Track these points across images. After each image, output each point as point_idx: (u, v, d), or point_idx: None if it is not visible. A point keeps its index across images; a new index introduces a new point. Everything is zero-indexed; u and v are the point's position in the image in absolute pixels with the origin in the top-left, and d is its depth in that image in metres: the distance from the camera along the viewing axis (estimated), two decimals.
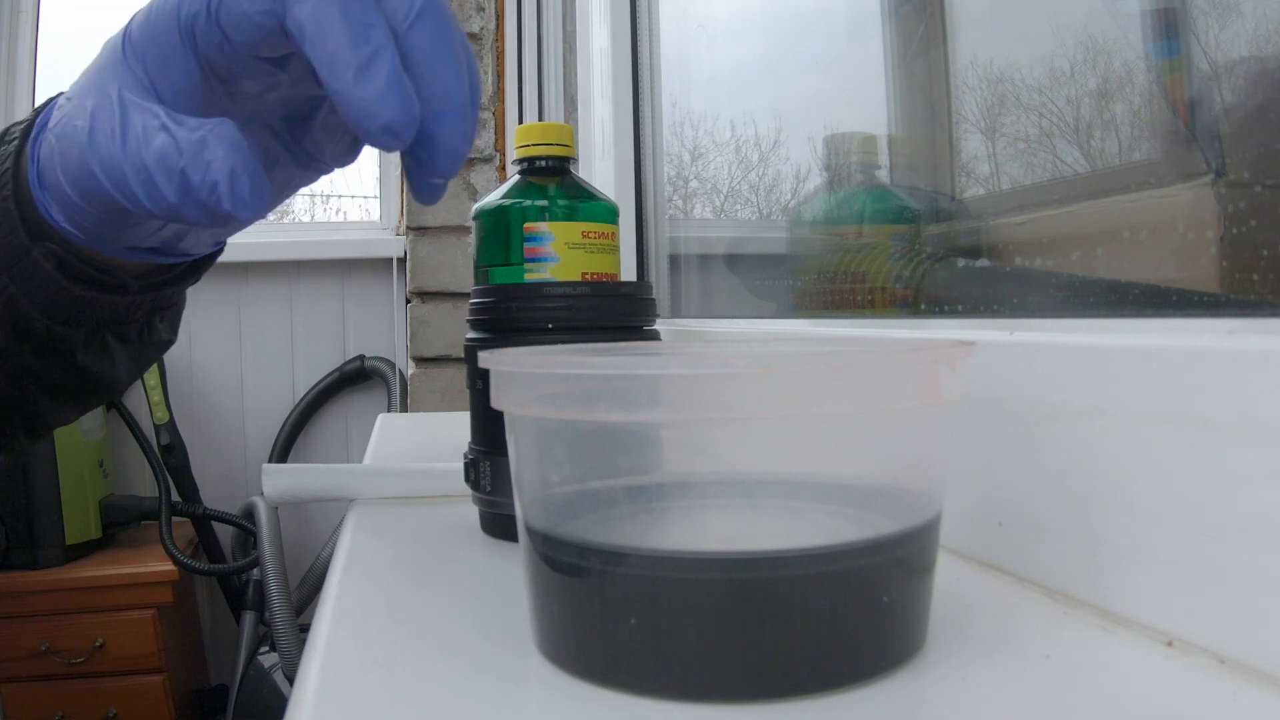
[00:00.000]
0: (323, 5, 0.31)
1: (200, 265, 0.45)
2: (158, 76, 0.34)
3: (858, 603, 0.25)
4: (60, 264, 0.39)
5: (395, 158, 1.97)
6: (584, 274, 0.48)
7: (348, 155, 0.41)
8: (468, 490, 0.45)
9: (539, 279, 0.45)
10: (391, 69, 0.31)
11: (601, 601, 0.26)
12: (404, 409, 1.82)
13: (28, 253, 0.39)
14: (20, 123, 0.40)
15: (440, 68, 0.32)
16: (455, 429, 0.76)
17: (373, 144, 0.31)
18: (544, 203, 0.48)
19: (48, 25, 2.00)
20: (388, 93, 0.30)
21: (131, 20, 0.35)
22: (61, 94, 0.37)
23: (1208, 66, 0.39)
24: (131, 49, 0.34)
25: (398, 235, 1.92)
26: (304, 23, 0.31)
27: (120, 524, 1.73)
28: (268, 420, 1.98)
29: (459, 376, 1.69)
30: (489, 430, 0.44)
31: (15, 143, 0.39)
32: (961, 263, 0.57)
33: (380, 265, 1.97)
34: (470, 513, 0.47)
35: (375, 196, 2.13)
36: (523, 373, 0.28)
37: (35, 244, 0.39)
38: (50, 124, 0.36)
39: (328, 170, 0.41)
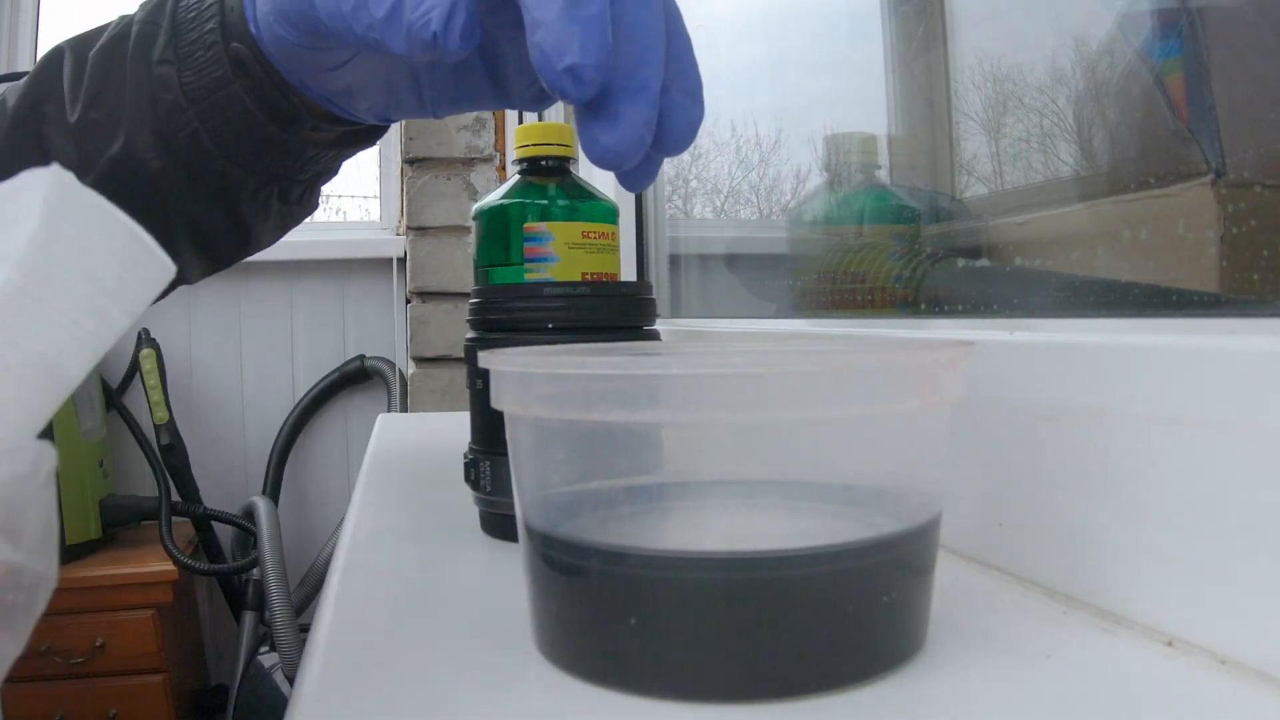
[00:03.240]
0: None
1: (372, 134, 0.46)
2: None
3: (858, 603, 0.25)
4: (256, 95, 0.39)
5: (395, 157, 1.98)
6: (584, 274, 0.48)
7: (536, 101, 0.39)
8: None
9: (539, 279, 0.45)
10: (602, 8, 0.27)
11: (601, 601, 0.26)
12: (404, 409, 1.81)
13: (228, 83, 0.39)
14: None
15: (642, 29, 0.29)
16: (455, 429, 0.76)
17: (551, 86, 0.28)
18: (544, 202, 0.48)
19: (48, 25, 2.00)
20: (588, 32, 0.27)
21: None
22: None
23: (1207, 65, 0.39)
24: None
25: (398, 235, 1.92)
26: None
27: (120, 524, 1.73)
28: (268, 420, 1.97)
29: (459, 376, 1.69)
30: (489, 430, 0.44)
31: None
32: (961, 263, 0.57)
33: (380, 265, 1.97)
34: (470, 513, 0.47)
35: (375, 196, 2.13)
36: (523, 373, 0.28)
37: (237, 74, 0.39)
38: None
39: (513, 106, 0.40)
